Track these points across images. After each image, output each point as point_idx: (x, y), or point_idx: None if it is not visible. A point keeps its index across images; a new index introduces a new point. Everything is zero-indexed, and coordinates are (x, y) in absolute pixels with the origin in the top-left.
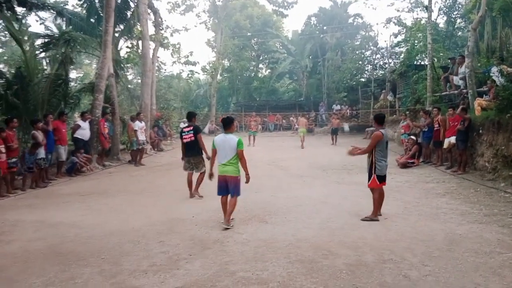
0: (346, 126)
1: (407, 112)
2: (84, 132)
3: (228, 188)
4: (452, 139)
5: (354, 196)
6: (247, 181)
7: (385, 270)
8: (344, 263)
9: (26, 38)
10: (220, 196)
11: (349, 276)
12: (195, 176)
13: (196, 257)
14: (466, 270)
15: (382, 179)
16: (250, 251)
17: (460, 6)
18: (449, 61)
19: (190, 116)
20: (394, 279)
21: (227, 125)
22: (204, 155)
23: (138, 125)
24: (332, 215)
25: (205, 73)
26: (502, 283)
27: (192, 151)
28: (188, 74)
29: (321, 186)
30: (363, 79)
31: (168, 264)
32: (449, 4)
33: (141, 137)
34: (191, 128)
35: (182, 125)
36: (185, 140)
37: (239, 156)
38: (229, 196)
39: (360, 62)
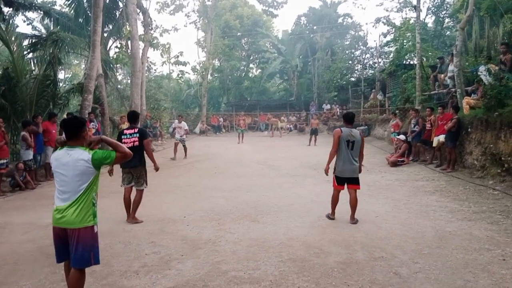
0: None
1: (397, 111)
2: None
3: (72, 251)
4: (441, 138)
5: (345, 195)
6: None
7: (376, 267)
8: (336, 261)
9: (13, 38)
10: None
11: (340, 274)
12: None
13: (187, 257)
14: (456, 266)
15: (341, 181)
16: (242, 251)
17: (448, 5)
18: (437, 60)
19: (134, 117)
20: (385, 276)
21: (71, 132)
22: (150, 166)
23: None
24: (323, 213)
25: (196, 73)
26: (491, 279)
27: (134, 160)
28: (178, 74)
29: (312, 185)
30: (353, 79)
31: (160, 265)
32: (437, 3)
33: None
34: (135, 130)
35: (174, 124)
36: (125, 145)
37: (117, 159)
38: (71, 269)
39: (350, 62)
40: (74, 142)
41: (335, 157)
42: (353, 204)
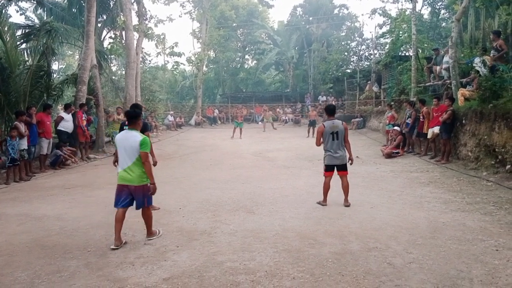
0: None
1: (392, 103)
2: (68, 124)
3: (135, 200)
4: (436, 129)
5: (340, 186)
6: (153, 192)
7: (370, 258)
8: (330, 251)
9: (6, 28)
10: (116, 209)
11: (335, 264)
12: None
13: (183, 248)
14: (449, 257)
15: (329, 168)
16: (238, 242)
17: None
18: (433, 52)
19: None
20: (379, 266)
21: (131, 119)
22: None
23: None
24: (318, 205)
25: (191, 64)
26: (484, 269)
27: None
28: (173, 66)
29: (307, 177)
30: (348, 70)
31: (155, 256)
32: None
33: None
34: None
35: (169, 117)
36: None
37: (143, 160)
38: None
39: (346, 53)
40: (132, 126)
41: (324, 148)
42: (345, 189)
